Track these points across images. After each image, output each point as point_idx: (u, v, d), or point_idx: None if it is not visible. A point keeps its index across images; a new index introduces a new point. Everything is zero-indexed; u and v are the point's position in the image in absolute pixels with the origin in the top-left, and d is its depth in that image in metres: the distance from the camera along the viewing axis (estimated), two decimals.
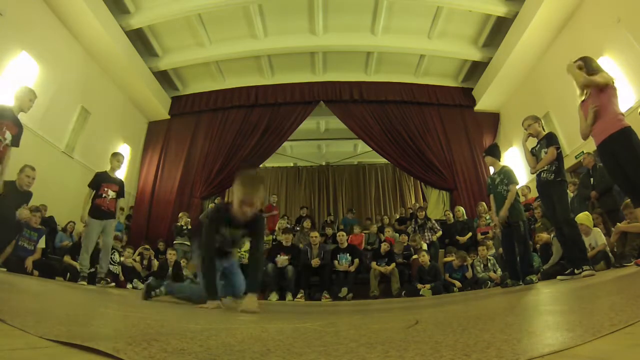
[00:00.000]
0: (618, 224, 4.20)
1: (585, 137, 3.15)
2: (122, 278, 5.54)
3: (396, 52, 8.46)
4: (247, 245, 6.05)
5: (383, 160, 10.57)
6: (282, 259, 5.63)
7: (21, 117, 3.76)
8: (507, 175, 4.12)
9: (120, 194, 4.77)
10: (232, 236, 2.39)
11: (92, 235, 4.51)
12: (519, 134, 4.00)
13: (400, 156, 8.98)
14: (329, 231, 7.55)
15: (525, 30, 6.75)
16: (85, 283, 4.32)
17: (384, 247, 6.00)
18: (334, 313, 2.47)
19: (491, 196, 4.34)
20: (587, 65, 3.09)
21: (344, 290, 5.45)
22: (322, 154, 12.96)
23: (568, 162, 6.12)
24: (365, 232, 7.42)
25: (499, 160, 4.41)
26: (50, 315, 1.23)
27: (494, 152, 4.46)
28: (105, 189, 4.60)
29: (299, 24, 7.83)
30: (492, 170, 4.52)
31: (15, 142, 3.65)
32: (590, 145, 3.94)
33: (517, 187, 4.20)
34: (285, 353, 0.76)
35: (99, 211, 4.53)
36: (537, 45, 7.04)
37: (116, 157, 4.86)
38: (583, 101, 3.14)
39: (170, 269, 5.94)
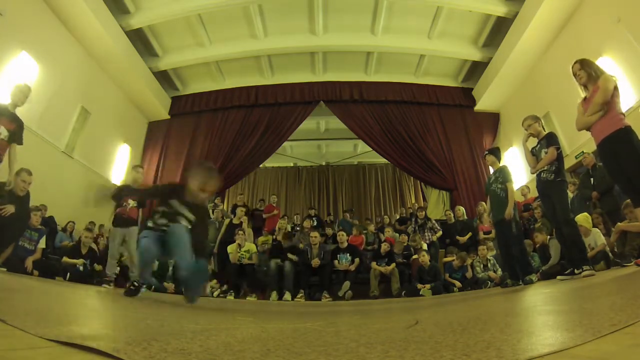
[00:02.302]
0: (618, 223, 4.20)
1: (580, 129, 3.16)
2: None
3: (396, 52, 8.46)
4: (247, 246, 6.09)
5: (383, 160, 10.57)
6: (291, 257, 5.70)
7: (20, 115, 3.74)
8: (502, 174, 4.17)
9: (140, 203, 4.80)
10: (176, 210, 2.55)
11: (113, 243, 4.59)
12: (519, 134, 4.02)
13: (400, 156, 8.97)
14: (329, 231, 7.54)
15: (525, 30, 6.75)
16: (110, 287, 4.38)
17: (384, 247, 6.00)
18: (334, 313, 2.47)
19: (489, 196, 4.40)
20: (590, 69, 3.09)
21: (346, 284, 5.44)
22: (322, 154, 12.96)
23: (568, 162, 6.12)
24: (364, 232, 7.43)
25: (499, 162, 4.45)
26: (50, 315, 1.23)
27: (496, 152, 4.54)
28: (127, 199, 4.66)
29: (299, 24, 7.83)
30: (491, 170, 4.57)
31: (16, 138, 3.64)
32: (590, 145, 3.95)
33: (516, 186, 4.23)
34: (285, 353, 0.76)
35: (119, 219, 4.61)
36: (537, 45, 7.04)
37: (136, 169, 5.06)
38: (585, 98, 3.14)
39: (170, 268, 5.94)
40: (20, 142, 3.71)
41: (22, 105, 3.76)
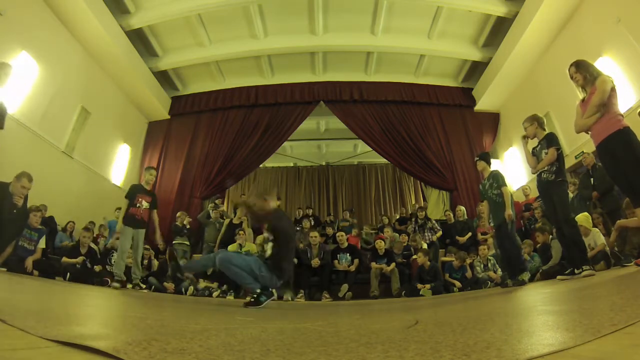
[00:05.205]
0: (618, 220, 4.20)
1: (579, 132, 3.17)
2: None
3: (396, 52, 8.45)
4: (248, 246, 6.11)
5: (383, 160, 10.57)
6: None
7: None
8: (496, 179, 4.19)
9: (153, 205, 4.91)
10: None
11: (126, 242, 4.65)
12: (519, 134, 4.02)
13: (400, 156, 8.97)
14: (329, 231, 7.55)
15: (525, 30, 6.75)
16: (118, 286, 4.46)
17: (379, 244, 5.94)
18: (334, 313, 2.47)
19: (485, 202, 4.41)
20: (586, 71, 3.09)
21: (344, 287, 5.44)
22: (322, 154, 12.95)
23: (568, 162, 6.12)
24: (360, 232, 7.47)
25: (489, 166, 4.46)
26: (50, 315, 1.23)
27: (486, 158, 4.56)
28: (140, 199, 4.75)
29: (299, 24, 7.82)
30: (482, 176, 4.60)
31: None
32: (590, 145, 3.95)
33: (516, 187, 4.24)
34: (285, 353, 0.76)
35: (133, 220, 4.66)
36: (537, 45, 7.04)
37: (149, 170, 5.12)
38: (583, 100, 3.15)
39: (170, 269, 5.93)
40: (2, 127, 3.58)
41: (4, 86, 3.63)
